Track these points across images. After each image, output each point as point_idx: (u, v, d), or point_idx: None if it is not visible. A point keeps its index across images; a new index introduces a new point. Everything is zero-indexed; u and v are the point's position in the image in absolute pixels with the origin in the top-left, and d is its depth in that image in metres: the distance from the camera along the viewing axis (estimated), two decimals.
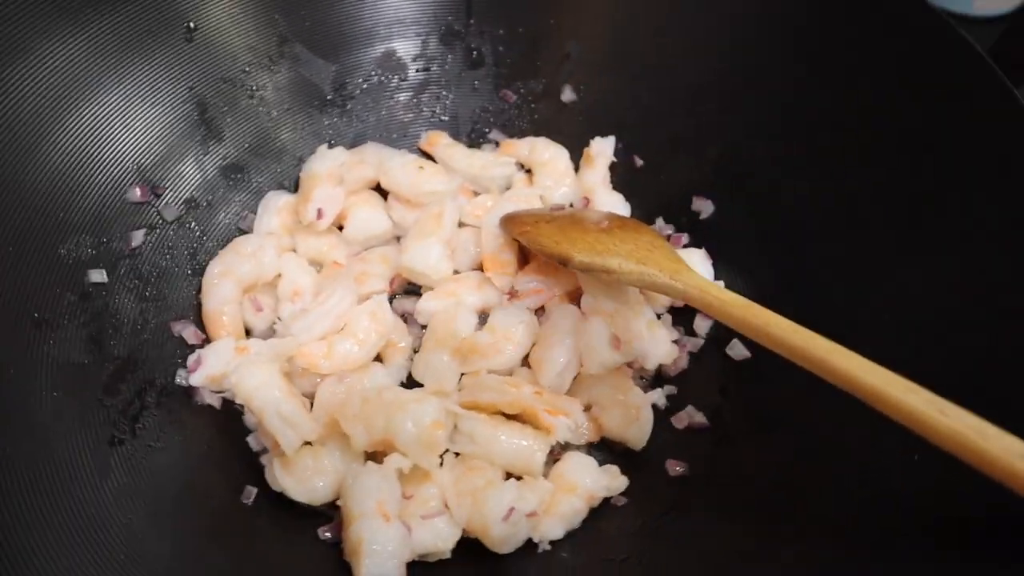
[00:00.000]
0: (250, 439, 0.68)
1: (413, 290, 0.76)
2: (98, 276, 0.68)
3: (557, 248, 0.66)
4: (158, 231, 0.73)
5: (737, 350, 0.67)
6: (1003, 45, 0.95)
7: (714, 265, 0.72)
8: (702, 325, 0.71)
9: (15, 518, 0.54)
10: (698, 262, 0.70)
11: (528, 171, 0.81)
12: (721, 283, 0.69)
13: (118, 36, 0.71)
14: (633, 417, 0.66)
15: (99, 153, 0.70)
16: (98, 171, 0.70)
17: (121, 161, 0.72)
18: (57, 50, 0.67)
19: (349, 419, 0.63)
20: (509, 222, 0.72)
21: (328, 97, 0.82)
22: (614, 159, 0.79)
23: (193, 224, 0.76)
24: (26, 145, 0.65)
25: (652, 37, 0.77)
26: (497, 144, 0.83)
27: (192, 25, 0.75)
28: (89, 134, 0.69)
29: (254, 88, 0.79)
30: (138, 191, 0.72)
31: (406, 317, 0.74)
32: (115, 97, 0.71)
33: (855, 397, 0.49)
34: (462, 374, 0.69)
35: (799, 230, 0.67)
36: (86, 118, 0.69)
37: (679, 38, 0.76)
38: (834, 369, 0.50)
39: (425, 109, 0.84)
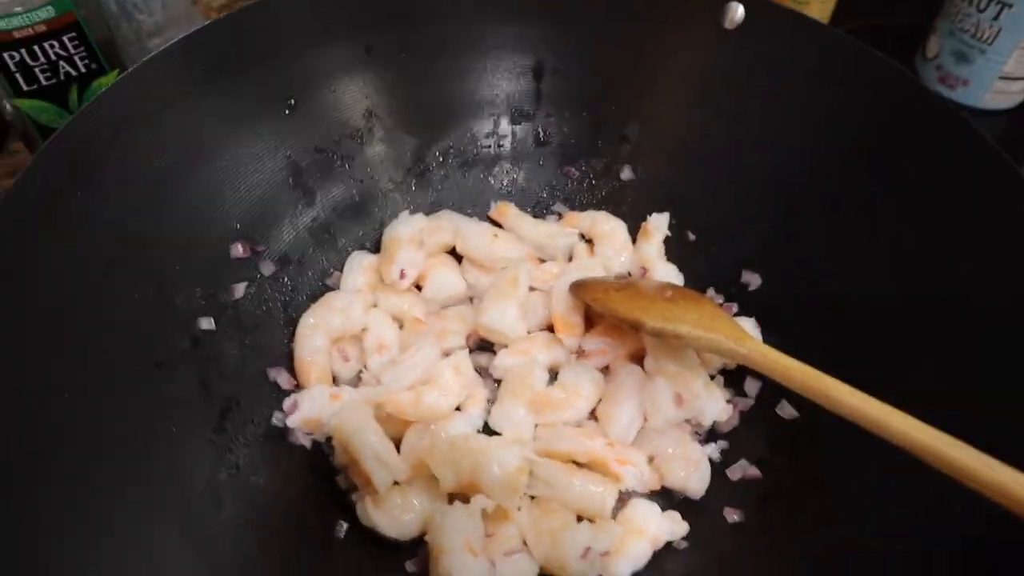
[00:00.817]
0: (339, 478, 0.74)
1: (486, 347, 0.83)
2: (207, 324, 0.74)
3: (630, 314, 0.73)
4: (256, 284, 0.80)
5: (786, 410, 0.74)
6: (1008, 134, 1.06)
7: (762, 333, 0.79)
8: (752, 386, 0.78)
9: (143, 543, 0.60)
10: (749, 330, 0.78)
11: (589, 241, 0.89)
12: None
13: (231, 108, 0.79)
14: (693, 468, 0.73)
15: (210, 213, 0.78)
16: (208, 229, 0.77)
17: (227, 220, 0.79)
18: (180, 121, 0.75)
19: (438, 462, 0.69)
20: (579, 288, 0.79)
21: (408, 167, 0.90)
22: (668, 233, 0.87)
23: (286, 279, 0.83)
24: (152, 204, 0.73)
25: (704, 124, 0.86)
26: (560, 216, 0.91)
27: (293, 101, 0.83)
28: (203, 195, 0.77)
29: (343, 156, 0.87)
30: (240, 248, 0.79)
31: (480, 371, 0.81)
32: (225, 162, 0.79)
33: (900, 453, 0.57)
34: (536, 425, 0.76)
35: (841, 304, 0.75)
36: (201, 181, 0.77)
37: (729, 125, 0.84)
38: (889, 428, 0.57)
39: (495, 181, 0.93)
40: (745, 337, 0.69)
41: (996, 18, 0.97)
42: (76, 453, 0.60)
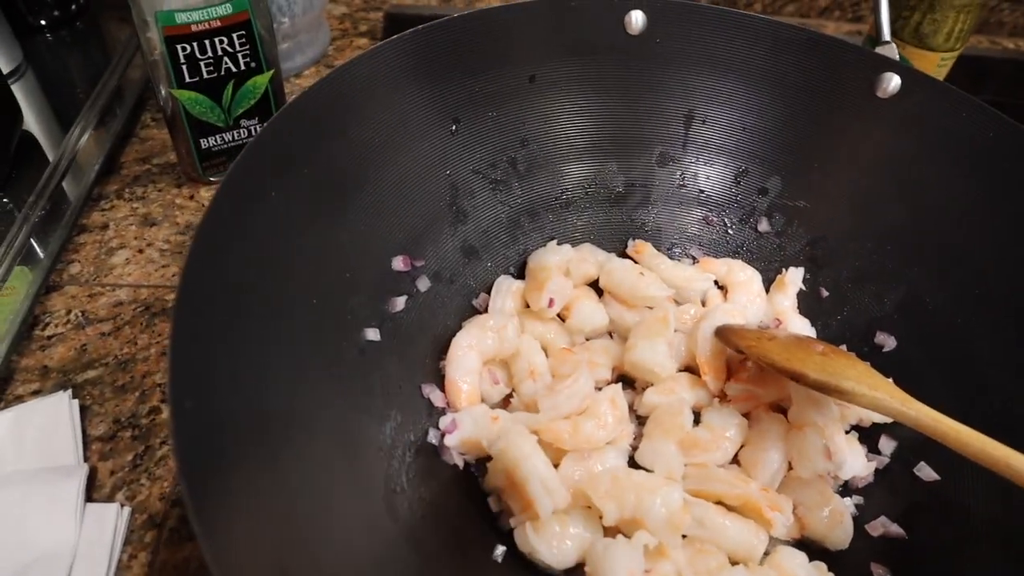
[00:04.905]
0: (490, 500, 0.75)
1: (627, 383, 0.85)
2: (373, 335, 0.75)
3: (788, 364, 0.75)
4: (414, 299, 0.81)
5: (926, 472, 0.77)
6: None
7: None
8: (887, 446, 0.80)
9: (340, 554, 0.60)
10: None
11: (722, 288, 0.92)
12: None
13: (400, 125, 0.80)
14: (838, 520, 0.75)
15: (378, 224, 0.79)
16: (376, 240, 0.78)
17: (392, 233, 0.80)
18: (359, 134, 0.76)
19: (601, 495, 0.71)
20: (729, 333, 0.81)
21: (555, 196, 0.92)
22: (803, 287, 0.90)
23: (438, 296, 0.84)
24: (331, 214, 0.73)
25: (845, 186, 0.89)
26: (695, 260, 0.94)
27: (457, 121, 0.85)
28: (374, 206, 0.78)
29: (496, 180, 0.89)
30: (401, 262, 0.80)
31: None
32: (393, 177, 0.80)
33: None
34: (685, 464, 0.77)
35: (980, 373, 0.78)
36: (372, 193, 0.78)
37: (868, 190, 0.87)
38: None
39: (634, 219, 0.95)
40: (910, 399, 0.72)
41: None
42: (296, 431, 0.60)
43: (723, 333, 0.82)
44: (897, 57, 0.87)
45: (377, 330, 0.76)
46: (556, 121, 0.90)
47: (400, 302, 0.79)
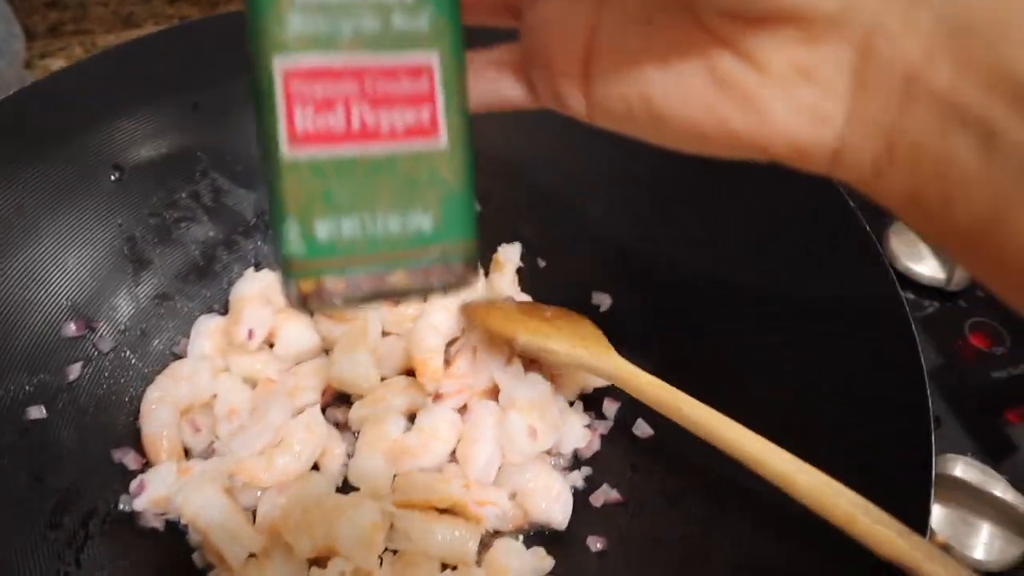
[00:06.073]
0: (195, 556, 0.71)
1: (345, 399, 0.81)
2: (36, 412, 0.71)
3: (504, 329, 0.75)
4: (94, 362, 0.77)
5: (642, 428, 0.75)
6: None
7: (620, 353, 0.79)
8: (610, 408, 0.78)
9: None
10: None
11: None
12: None
13: (48, 184, 0.76)
14: (555, 500, 0.72)
15: (34, 294, 0.74)
16: (33, 311, 0.74)
17: (56, 299, 0.76)
18: None
19: (292, 529, 0.67)
20: (467, 310, 0.80)
21: (251, 223, 0.88)
22: (520, 264, 0.87)
23: (128, 353, 0.79)
24: None
25: (543, 155, 0.86)
26: None
27: (119, 168, 0.80)
28: (23, 278, 0.73)
29: (179, 219, 0.84)
30: (73, 326, 0.76)
31: (339, 425, 0.79)
32: (47, 241, 0.75)
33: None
34: (395, 475, 0.74)
35: (687, 321, 0.76)
36: (19, 263, 0.73)
37: (570, 156, 0.84)
38: (722, 438, 0.59)
39: None
40: (608, 354, 0.71)
41: None
42: None
43: (464, 309, 0.81)
44: None
45: (42, 407, 0.71)
46: (233, 144, 0.86)
47: (75, 369, 0.75)
